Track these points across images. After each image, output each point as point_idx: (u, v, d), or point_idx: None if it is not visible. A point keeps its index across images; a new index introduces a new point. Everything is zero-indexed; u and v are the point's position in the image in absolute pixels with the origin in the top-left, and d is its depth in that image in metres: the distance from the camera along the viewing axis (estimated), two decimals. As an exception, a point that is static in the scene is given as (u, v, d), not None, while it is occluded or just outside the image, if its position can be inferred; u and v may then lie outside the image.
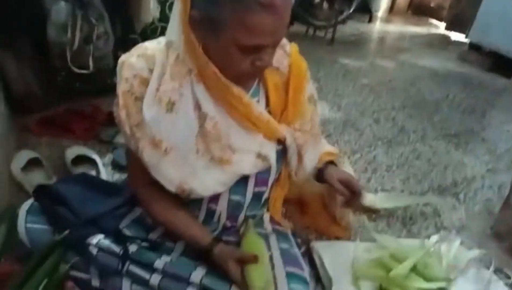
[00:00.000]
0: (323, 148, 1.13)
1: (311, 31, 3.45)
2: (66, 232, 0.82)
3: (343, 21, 3.57)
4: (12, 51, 1.58)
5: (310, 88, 1.02)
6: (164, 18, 2.28)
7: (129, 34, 1.93)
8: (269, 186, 1.01)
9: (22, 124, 1.64)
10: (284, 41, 0.97)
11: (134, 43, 0.94)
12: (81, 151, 1.49)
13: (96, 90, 1.88)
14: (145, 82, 0.84)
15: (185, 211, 0.94)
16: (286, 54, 0.96)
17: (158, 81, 0.83)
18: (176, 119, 0.84)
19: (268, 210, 1.09)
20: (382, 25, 4.33)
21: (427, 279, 1.07)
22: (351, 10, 3.53)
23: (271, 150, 0.93)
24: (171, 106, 0.83)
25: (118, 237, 0.95)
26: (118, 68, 0.87)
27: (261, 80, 0.94)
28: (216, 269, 0.89)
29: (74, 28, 1.55)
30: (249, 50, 0.76)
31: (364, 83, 2.63)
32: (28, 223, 0.93)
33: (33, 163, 1.40)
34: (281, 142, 0.95)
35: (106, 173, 1.46)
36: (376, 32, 4.10)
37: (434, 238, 1.26)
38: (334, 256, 1.14)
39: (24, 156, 1.40)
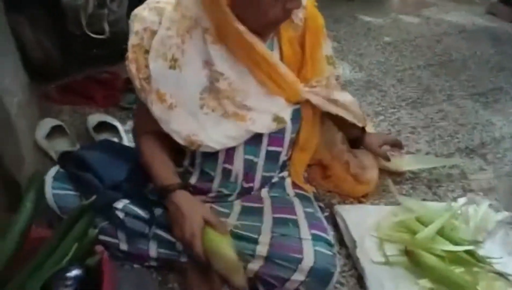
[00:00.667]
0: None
1: (330, -13, 3.29)
2: (93, 197, 0.83)
3: (364, -24, 3.38)
4: (27, 17, 1.55)
5: (328, 47, 0.98)
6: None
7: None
8: (286, 147, 0.99)
9: (43, 92, 1.65)
10: None
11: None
12: (102, 118, 1.49)
13: (113, 56, 1.85)
14: (155, 35, 0.84)
15: (168, 157, 0.93)
16: (301, 6, 0.91)
17: (164, 35, 0.83)
18: (180, 75, 0.84)
19: (289, 174, 1.07)
20: (405, -21, 4.10)
21: (454, 241, 1.05)
22: (372, -37, 3.33)
23: (288, 112, 0.92)
24: (174, 63, 0.84)
25: (143, 201, 0.96)
26: (130, 21, 0.87)
27: (275, 35, 0.91)
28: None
29: (88, -10, 1.51)
30: None
31: (387, 41, 2.52)
32: (55, 189, 0.95)
33: (56, 131, 1.42)
34: (298, 102, 0.93)
35: (127, 140, 1.46)
36: (399, -13, 3.88)
37: (461, 200, 1.24)
38: (358, 219, 1.14)
39: (48, 124, 1.41)
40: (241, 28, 0.80)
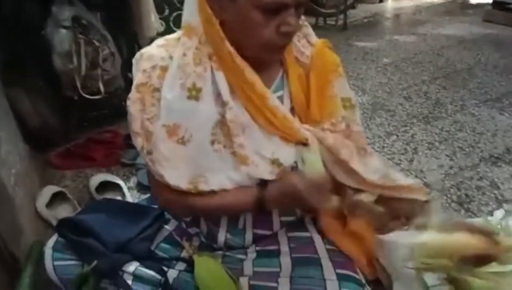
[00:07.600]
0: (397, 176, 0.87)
1: (321, 20, 3.33)
2: (94, 263, 0.79)
3: (353, 6, 3.45)
4: (24, 87, 1.55)
5: (342, 88, 0.88)
6: (169, 32, 2.24)
7: (135, 52, 1.89)
8: None
9: (44, 161, 1.61)
10: (310, 31, 0.87)
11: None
12: (104, 177, 1.44)
13: (112, 115, 1.84)
14: (166, 71, 0.77)
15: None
16: (310, 44, 0.87)
17: (180, 63, 0.76)
18: (198, 106, 0.77)
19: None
20: (395, 3, 4.15)
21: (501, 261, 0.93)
22: (358, -7, 3.40)
23: (288, 156, 0.81)
24: (196, 93, 0.76)
25: (152, 260, 0.87)
26: (134, 61, 0.81)
27: (284, 72, 0.85)
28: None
29: (79, 54, 1.51)
30: (271, 11, 0.69)
31: (386, 62, 2.49)
32: (55, 260, 0.87)
33: (58, 198, 1.36)
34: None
35: (131, 197, 1.40)
36: (389, 11, 3.92)
37: (498, 213, 1.12)
38: (390, 250, 1.02)
39: (48, 191, 1.36)
40: (231, 49, 0.74)
